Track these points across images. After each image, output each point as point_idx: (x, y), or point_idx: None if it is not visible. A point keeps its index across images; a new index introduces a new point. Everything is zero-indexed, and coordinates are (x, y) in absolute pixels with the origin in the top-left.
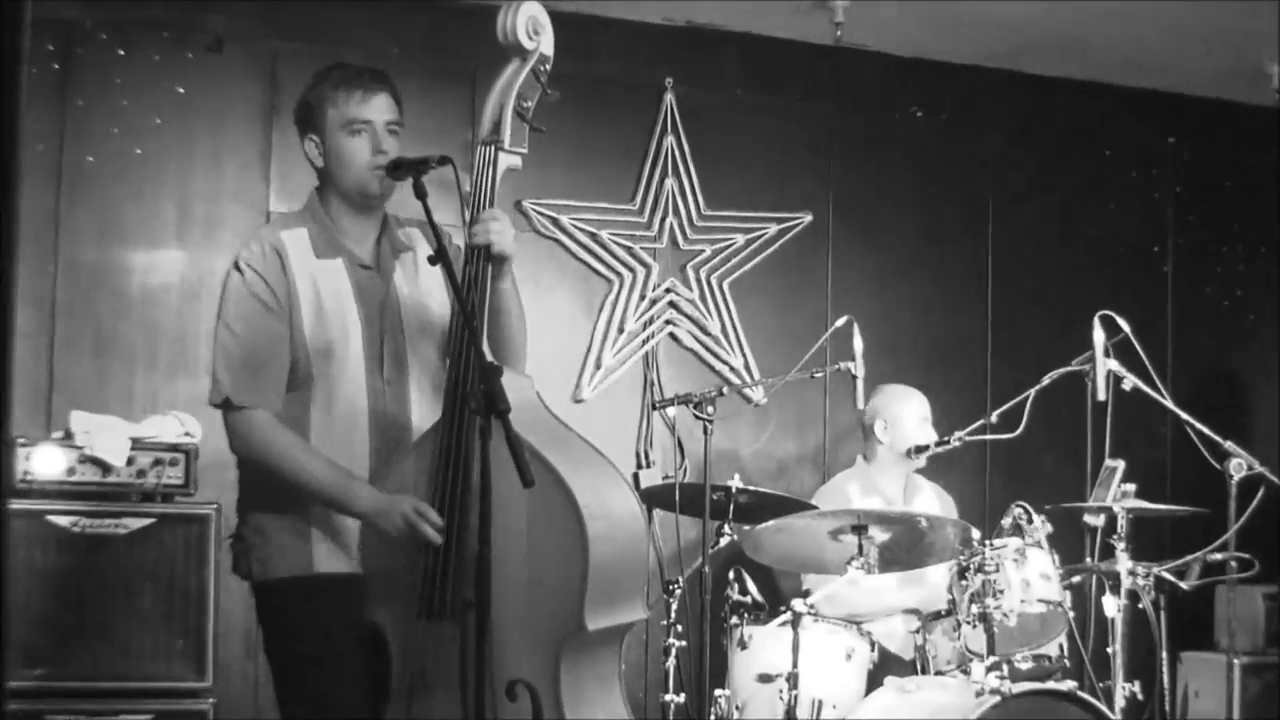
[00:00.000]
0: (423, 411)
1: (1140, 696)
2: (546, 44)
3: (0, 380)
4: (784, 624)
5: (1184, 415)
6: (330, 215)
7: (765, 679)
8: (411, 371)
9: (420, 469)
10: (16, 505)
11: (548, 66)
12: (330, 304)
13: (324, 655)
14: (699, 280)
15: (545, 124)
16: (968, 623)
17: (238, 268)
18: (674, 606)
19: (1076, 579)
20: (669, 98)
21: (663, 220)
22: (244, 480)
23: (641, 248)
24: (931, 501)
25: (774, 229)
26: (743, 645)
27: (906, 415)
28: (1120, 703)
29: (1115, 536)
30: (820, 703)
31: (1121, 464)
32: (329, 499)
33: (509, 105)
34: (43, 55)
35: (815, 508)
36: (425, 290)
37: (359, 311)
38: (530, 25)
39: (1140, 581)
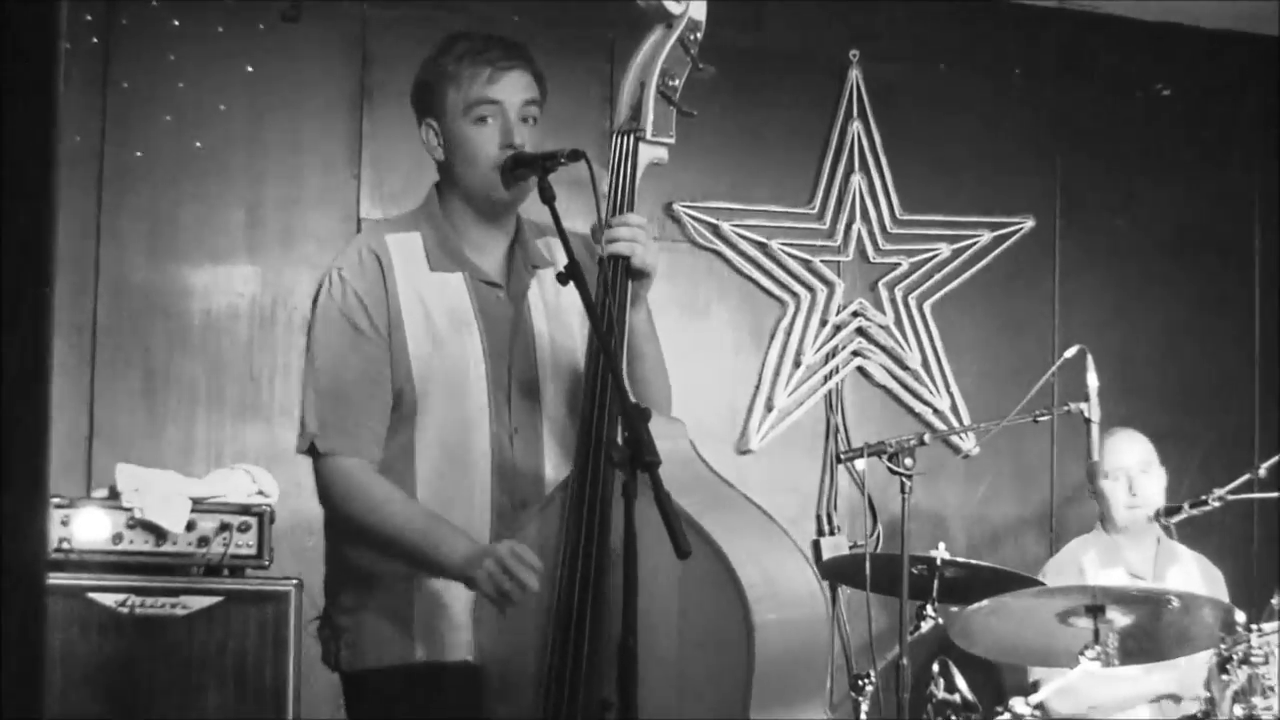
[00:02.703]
0: (557, 464)
1: None
2: (697, 7)
3: (35, 426)
4: None
5: None
6: (451, 219)
7: None
8: (546, 414)
9: (546, 535)
10: (53, 580)
11: (699, 35)
12: (445, 327)
13: None
14: (894, 301)
15: (700, 107)
16: None
17: (329, 279)
18: (864, 706)
19: None
20: (855, 74)
21: (848, 227)
22: (332, 550)
23: (822, 261)
24: (1191, 574)
25: (987, 237)
26: None
27: (1113, 476)
28: None
29: None
30: None
31: None
32: (420, 555)
33: (651, 85)
34: (80, 27)
35: (1040, 583)
36: (567, 314)
37: (482, 338)
38: None
39: None
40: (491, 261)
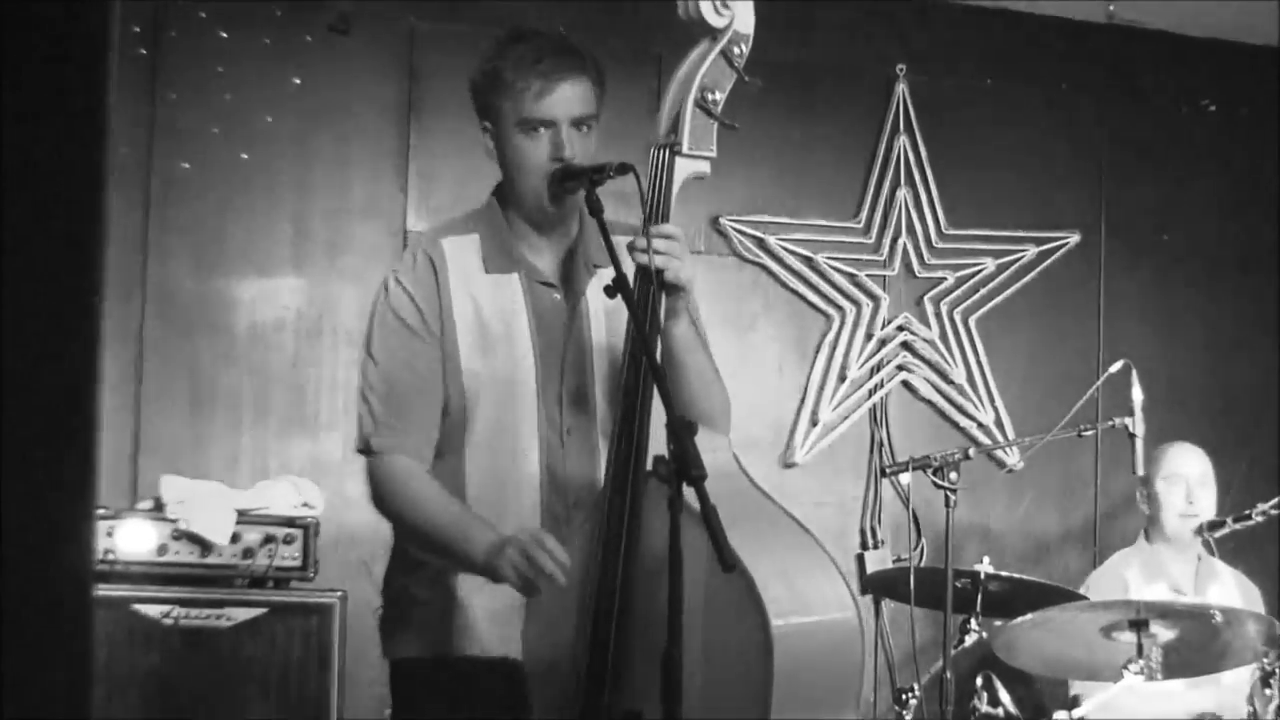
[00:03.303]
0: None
1: None
2: (743, 19)
3: (84, 438)
4: None
5: None
6: (510, 221)
7: None
8: (599, 419)
9: (582, 544)
10: (97, 592)
11: (744, 47)
12: (497, 330)
13: None
14: (939, 316)
15: (746, 121)
16: None
17: (386, 283)
18: (908, 719)
19: None
20: (901, 88)
21: (894, 241)
22: (395, 541)
23: (868, 275)
24: (1230, 591)
25: (1032, 252)
26: None
27: (1171, 481)
28: None
29: None
30: None
31: None
32: (450, 549)
33: (689, 98)
34: (127, 38)
35: (1083, 598)
36: (623, 315)
37: (534, 340)
38: None
39: None
40: (548, 262)
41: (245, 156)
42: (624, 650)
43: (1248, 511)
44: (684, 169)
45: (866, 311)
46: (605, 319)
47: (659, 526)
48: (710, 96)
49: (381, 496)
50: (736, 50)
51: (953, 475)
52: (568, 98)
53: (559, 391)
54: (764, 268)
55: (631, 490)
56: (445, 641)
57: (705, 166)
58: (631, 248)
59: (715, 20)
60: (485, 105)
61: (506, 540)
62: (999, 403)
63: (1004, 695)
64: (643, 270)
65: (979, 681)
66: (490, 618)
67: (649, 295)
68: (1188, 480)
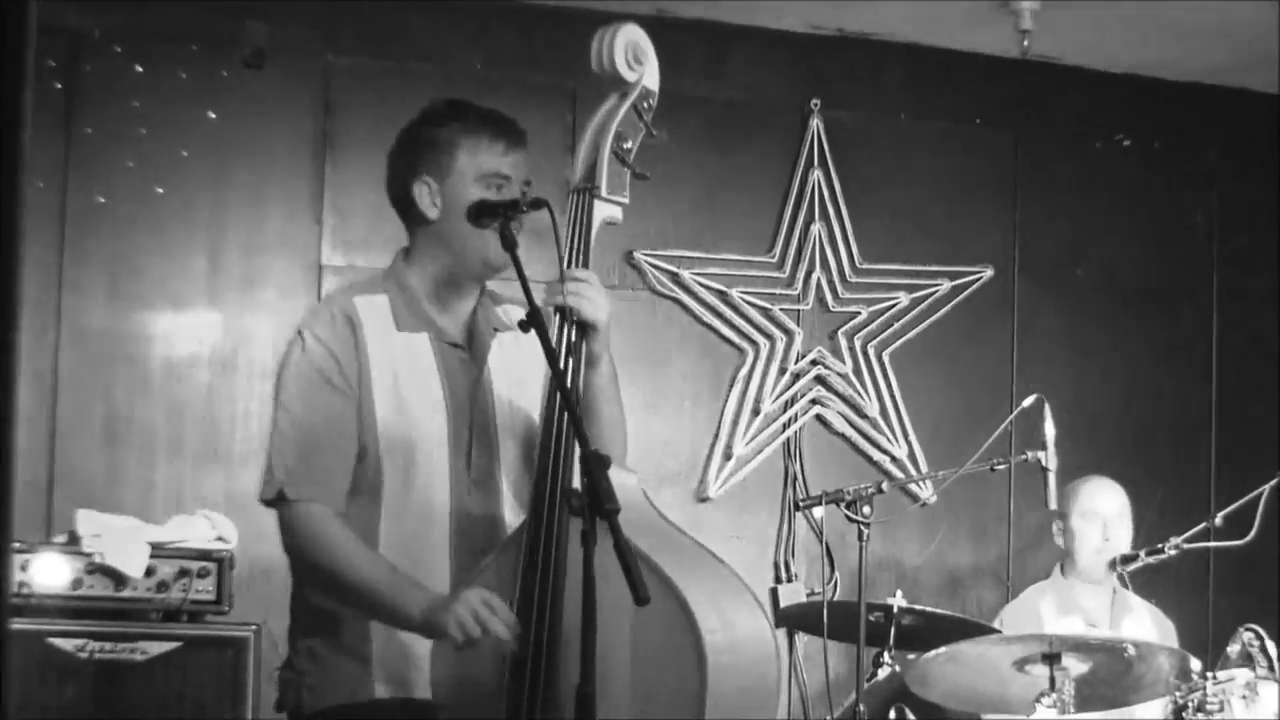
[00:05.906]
0: (515, 518)
1: None
2: (650, 76)
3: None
4: None
5: None
6: (420, 281)
7: None
8: (504, 471)
9: (503, 578)
10: (12, 625)
11: (651, 102)
12: (410, 387)
13: None
14: (853, 350)
15: (661, 155)
16: None
17: (300, 337)
18: None
19: None
20: (816, 123)
21: (808, 275)
22: (295, 593)
23: (781, 310)
24: (1144, 625)
25: (946, 286)
26: None
27: (1087, 517)
28: None
29: None
30: None
31: None
32: (381, 606)
33: (605, 147)
34: (42, 72)
35: (996, 631)
36: (525, 376)
37: (445, 398)
38: (631, 53)
39: None
40: (455, 323)
41: (160, 190)
42: (552, 683)
43: (1160, 545)
44: (600, 212)
45: (780, 346)
46: (507, 379)
47: (579, 561)
48: (625, 145)
49: (300, 545)
50: (645, 105)
51: (866, 509)
52: (521, 164)
53: (467, 447)
54: (678, 302)
55: (553, 525)
56: (365, 688)
57: (619, 212)
58: (549, 289)
59: (628, 74)
60: (433, 161)
61: (452, 598)
62: (912, 437)
63: None
64: (560, 311)
65: (892, 715)
66: (407, 661)
67: (566, 335)
68: (1104, 517)
